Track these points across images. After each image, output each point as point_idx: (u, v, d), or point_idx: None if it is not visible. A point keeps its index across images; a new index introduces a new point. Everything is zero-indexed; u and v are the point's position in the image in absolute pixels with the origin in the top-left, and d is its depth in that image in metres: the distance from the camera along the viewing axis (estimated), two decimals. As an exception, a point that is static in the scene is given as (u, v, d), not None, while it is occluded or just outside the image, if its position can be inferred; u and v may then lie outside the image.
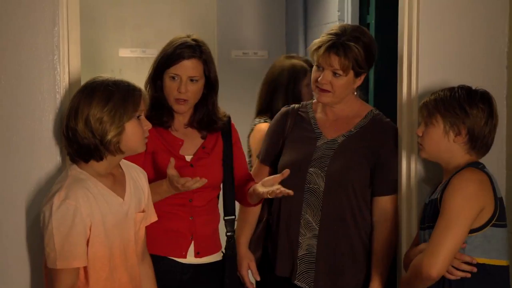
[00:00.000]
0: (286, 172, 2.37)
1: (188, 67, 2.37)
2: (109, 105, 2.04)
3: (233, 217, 2.54)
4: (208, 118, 2.46)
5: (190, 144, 2.46)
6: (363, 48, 2.46)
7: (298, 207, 2.49)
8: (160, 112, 2.42)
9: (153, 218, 2.28)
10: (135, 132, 2.09)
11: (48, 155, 2.31)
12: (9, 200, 2.30)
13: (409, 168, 2.50)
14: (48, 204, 2.01)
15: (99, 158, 2.08)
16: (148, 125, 2.14)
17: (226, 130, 2.52)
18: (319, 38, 2.50)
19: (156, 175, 2.38)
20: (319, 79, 2.47)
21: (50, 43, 2.29)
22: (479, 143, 2.23)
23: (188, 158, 2.44)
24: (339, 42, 2.43)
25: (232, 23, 4.34)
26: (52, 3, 2.27)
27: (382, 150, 2.51)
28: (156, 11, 4.17)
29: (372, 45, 2.51)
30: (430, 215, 2.22)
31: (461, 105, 2.22)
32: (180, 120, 2.47)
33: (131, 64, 4.06)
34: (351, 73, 2.47)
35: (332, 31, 2.48)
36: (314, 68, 2.51)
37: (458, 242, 2.11)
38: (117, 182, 2.16)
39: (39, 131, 2.30)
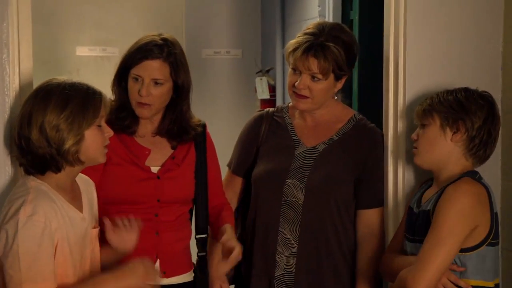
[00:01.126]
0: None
1: (152, 68, 2.33)
2: (67, 111, 2.01)
3: (206, 235, 2.50)
4: (178, 126, 2.42)
5: (158, 153, 2.42)
6: (343, 48, 2.44)
7: (275, 222, 2.47)
8: (122, 116, 2.38)
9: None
10: (95, 140, 2.06)
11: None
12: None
13: (396, 177, 2.51)
14: (12, 221, 1.95)
15: (57, 169, 2.04)
16: (109, 132, 2.11)
17: (200, 140, 2.48)
18: (295, 38, 2.48)
19: (115, 189, 2.34)
20: (296, 83, 2.44)
21: (-2, 41, 2.25)
22: (478, 144, 2.23)
23: (155, 169, 2.40)
24: (317, 43, 2.41)
25: (202, 20, 4.32)
26: (0, -3, 2.24)
27: (367, 159, 2.50)
28: (118, 6, 4.13)
29: (353, 44, 2.50)
30: (422, 227, 2.22)
31: (458, 101, 2.24)
32: (148, 127, 2.42)
33: (90, 63, 4.02)
34: (331, 76, 2.45)
35: (309, 30, 2.46)
36: (290, 71, 2.49)
37: (448, 260, 2.11)
38: (74, 196, 2.12)
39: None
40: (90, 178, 2.24)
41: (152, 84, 2.33)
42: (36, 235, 1.95)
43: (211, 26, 4.36)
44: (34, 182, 2.04)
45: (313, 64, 2.41)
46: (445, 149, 2.24)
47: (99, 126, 2.08)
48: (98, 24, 4.10)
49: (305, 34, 2.45)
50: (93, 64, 4.03)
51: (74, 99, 2.02)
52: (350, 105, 3.89)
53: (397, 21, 2.50)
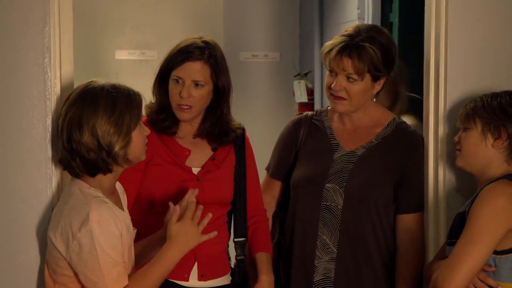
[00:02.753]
0: None
1: (193, 70, 2.37)
2: (116, 113, 2.06)
3: (244, 239, 2.52)
4: (219, 128, 2.44)
5: (199, 155, 2.45)
6: (380, 49, 2.44)
7: (314, 227, 2.48)
8: (162, 117, 2.42)
9: None
10: (139, 140, 2.11)
11: (38, 168, 2.29)
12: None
13: (436, 181, 2.49)
14: (84, 229, 1.99)
15: (107, 171, 2.08)
16: (147, 131, 2.15)
17: (240, 143, 2.51)
18: (332, 40, 2.49)
19: (156, 188, 2.37)
20: (332, 85, 2.45)
21: (40, 45, 2.28)
22: None
23: (195, 170, 2.43)
24: (352, 44, 2.42)
25: (240, 23, 4.35)
26: (42, 1, 2.27)
27: (407, 163, 2.49)
28: (157, 10, 4.18)
29: (391, 45, 2.50)
30: (457, 229, 2.21)
31: (502, 107, 2.23)
32: (188, 129, 2.46)
33: (129, 67, 4.07)
34: (368, 77, 2.45)
35: (346, 32, 2.47)
36: (327, 73, 2.50)
37: (480, 260, 2.09)
38: (117, 198, 2.17)
39: (28, 141, 2.29)
40: (133, 178, 2.30)
41: (193, 86, 2.37)
42: (110, 239, 2.00)
43: (249, 29, 4.38)
44: (89, 190, 2.07)
45: (348, 64, 2.41)
46: (486, 155, 2.23)
47: (140, 125, 2.12)
48: (137, 28, 4.14)
49: (341, 35, 2.47)
50: (131, 68, 4.07)
51: (120, 101, 2.07)
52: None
53: (438, 23, 2.48)
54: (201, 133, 2.45)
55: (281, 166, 2.64)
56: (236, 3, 4.33)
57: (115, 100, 2.07)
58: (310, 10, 4.64)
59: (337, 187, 2.47)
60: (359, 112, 2.52)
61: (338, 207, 2.46)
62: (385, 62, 2.47)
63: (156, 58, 4.13)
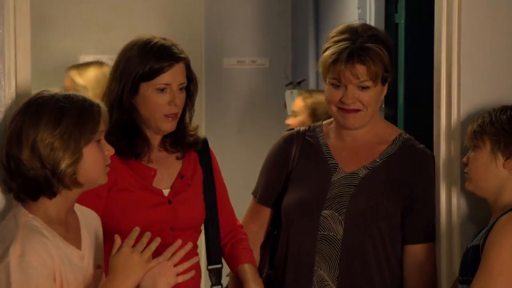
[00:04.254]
0: None
1: (178, 73, 2.39)
2: (62, 126, 2.01)
3: (220, 265, 2.53)
4: (182, 133, 2.48)
5: (165, 173, 2.46)
6: (384, 47, 2.46)
7: (310, 261, 2.46)
8: (134, 141, 2.41)
9: None
10: (95, 159, 2.05)
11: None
12: None
13: (449, 206, 2.49)
14: (2, 264, 1.95)
15: (51, 194, 2.03)
16: (110, 150, 2.11)
17: (205, 157, 2.53)
18: (327, 51, 2.46)
19: (123, 217, 2.36)
20: (342, 99, 2.43)
21: (-8, 50, 2.27)
22: None
23: (165, 192, 2.43)
24: (357, 47, 2.41)
25: (224, 25, 4.35)
26: (-5, -1, 2.27)
27: (416, 186, 2.48)
28: (128, 10, 4.18)
29: (390, 40, 2.54)
30: (471, 265, 2.20)
31: None
32: (152, 144, 2.46)
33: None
34: (379, 80, 2.46)
35: (341, 37, 2.44)
36: (328, 87, 2.47)
37: None
38: (70, 230, 2.11)
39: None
40: (92, 207, 2.25)
41: (178, 91, 2.40)
42: (31, 276, 1.94)
43: (233, 32, 4.39)
44: (24, 217, 2.03)
45: (362, 71, 2.40)
46: (498, 177, 2.24)
47: (98, 142, 2.07)
48: (105, 30, 4.14)
49: (338, 42, 2.44)
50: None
51: (70, 112, 2.02)
52: (395, 119, 3.90)
53: (450, 25, 2.50)
54: (163, 144, 2.46)
55: (270, 190, 2.62)
56: (219, 2, 4.34)
57: (63, 111, 2.02)
58: (304, 10, 4.65)
59: (336, 214, 2.46)
60: (366, 126, 2.51)
61: (338, 237, 2.44)
62: (391, 60, 2.49)
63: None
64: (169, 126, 2.40)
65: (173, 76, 2.37)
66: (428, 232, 2.49)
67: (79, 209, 2.20)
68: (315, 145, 2.57)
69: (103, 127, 2.09)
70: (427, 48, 2.72)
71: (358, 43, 2.41)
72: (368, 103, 2.44)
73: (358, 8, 4.14)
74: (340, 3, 4.40)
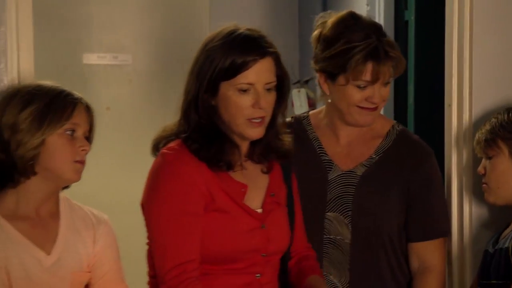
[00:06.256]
0: None
1: (264, 70, 2.07)
2: (28, 109, 2.01)
3: None
4: (274, 141, 2.17)
5: (253, 189, 2.16)
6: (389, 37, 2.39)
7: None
8: (223, 149, 2.09)
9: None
10: (61, 150, 2.04)
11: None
12: None
13: (461, 214, 2.50)
14: None
15: (10, 179, 2.03)
16: (84, 146, 2.07)
17: (287, 167, 2.25)
18: (352, 51, 2.30)
19: (210, 240, 2.06)
20: (370, 98, 2.32)
21: (-6, 48, 2.28)
22: None
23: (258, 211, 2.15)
24: (386, 43, 2.32)
25: (230, 21, 4.35)
26: (-4, -3, 2.27)
27: (413, 183, 2.41)
28: (132, 7, 4.18)
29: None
30: (499, 269, 2.19)
31: None
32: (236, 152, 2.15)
33: (99, 73, 4.06)
34: None
35: (361, 35, 2.32)
36: (353, 88, 2.33)
37: None
38: (39, 228, 2.09)
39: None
40: (190, 227, 2.04)
41: (265, 91, 2.08)
42: None
43: (240, 29, 4.39)
44: None
45: (389, 66, 2.32)
46: None
47: (71, 135, 2.06)
48: (108, 28, 4.14)
49: (361, 41, 2.32)
50: (102, 74, 4.06)
51: (40, 98, 2.03)
52: (404, 119, 3.88)
53: (462, 21, 2.50)
54: (253, 154, 2.16)
55: None
56: (225, 3, 4.34)
57: (33, 96, 2.03)
58: (311, 7, 4.65)
59: (341, 216, 2.41)
60: None
61: (346, 241, 2.40)
62: None
63: (130, 62, 4.11)
64: (255, 132, 2.08)
65: (257, 74, 2.05)
66: (429, 229, 2.42)
67: (73, 208, 2.18)
68: (304, 139, 2.48)
69: (78, 120, 2.06)
70: (438, 46, 2.72)
71: (381, 39, 2.32)
72: (385, 100, 2.38)
73: (367, 5, 4.14)
74: (348, 0, 4.41)
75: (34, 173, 2.03)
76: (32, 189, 2.06)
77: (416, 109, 3.85)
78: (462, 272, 2.48)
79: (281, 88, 2.12)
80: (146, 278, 2.18)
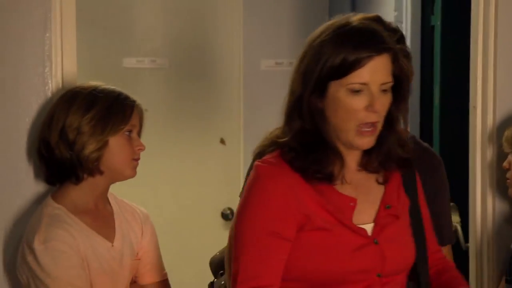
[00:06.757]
0: None
1: (380, 69, 1.77)
2: (91, 113, 2.07)
3: None
4: (396, 149, 1.87)
5: (365, 201, 1.85)
6: None
7: None
8: (323, 159, 1.80)
9: (151, 278, 2.27)
10: (121, 150, 2.10)
11: (36, 183, 2.31)
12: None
13: (485, 212, 2.51)
14: (30, 253, 2.04)
15: (76, 178, 2.09)
16: (140, 146, 2.14)
17: (409, 172, 1.93)
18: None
19: (317, 264, 1.78)
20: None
21: (41, 53, 2.32)
22: None
23: (368, 228, 1.83)
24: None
25: (262, 28, 4.36)
26: (42, 5, 2.30)
27: (426, 189, 2.08)
28: (168, 13, 4.22)
29: None
30: None
31: None
32: (346, 162, 1.85)
33: (138, 76, 4.10)
34: None
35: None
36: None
37: None
38: (100, 220, 2.17)
39: (28, 158, 2.31)
40: (276, 249, 1.78)
41: (380, 93, 1.78)
42: (58, 259, 2.02)
43: (271, 34, 4.40)
44: (50, 207, 2.10)
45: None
46: None
47: (129, 135, 2.12)
48: (147, 33, 4.18)
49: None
50: (141, 77, 4.10)
51: (101, 102, 2.09)
52: (430, 123, 3.86)
53: (487, 27, 2.51)
54: (368, 163, 1.86)
55: None
56: (257, 5, 4.35)
57: (95, 99, 2.08)
58: (341, 12, 4.66)
59: None
60: None
61: None
62: None
63: (167, 66, 4.16)
64: (364, 142, 1.79)
65: (372, 73, 1.75)
66: (440, 235, 2.15)
67: (120, 203, 2.26)
68: None
69: (135, 121, 2.13)
70: (463, 50, 2.73)
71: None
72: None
73: (395, 11, 4.14)
74: (377, 5, 4.41)
75: (101, 172, 2.10)
76: (94, 185, 2.12)
77: (441, 111, 3.85)
78: (486, 267, 2.49)
79: (399, 88, 1.83)
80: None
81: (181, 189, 4.18)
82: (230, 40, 4.24)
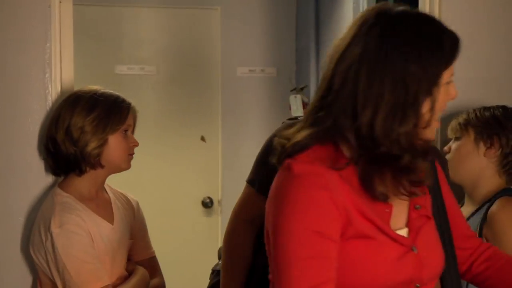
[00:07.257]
0: None
1: None
2: (93, 114, 2.10)
3: None
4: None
5: (396, 203, 1.51)
6: None
7: None
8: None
9: (143, 255, 2.31)
10: (118, 147, 2.13)
11: (37, 182, 2.31)
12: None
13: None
14: (47, 237, 2.04)
15: (80, 171, 2.12)
16: (134, 143, 2.18)
17: (432, 169, 1.59)
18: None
19: (354, 272, 1.42)
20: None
21: (41, 60, 2.31)
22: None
23: (403, 233, 1.51)
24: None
25: (238, 39, 4.38)
26: (43, 17, 2.30)
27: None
28: (155, 25, 4.22)
29: None
30: None
31: (495, 117, 2.24)
32: None
33: (128, 82, 4.10)
34: None
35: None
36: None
37: None
38: (101, 206, 2.20)
39: (29, 156, 2.31)
40: (328, 250, 1.37)
41: None
42: (73, 240, 2.04)
43: (246, 45, 4.41)
44: (59, 196, 2.12)
45: None
46: (478, 164, 2.23)
47: (125, 134, 2.15)
48: (137, 43, 4.18)
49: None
50: (131, 83, 4.11)
51: (101, 104, 2.12)
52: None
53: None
54: None
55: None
56: (233, 20, 4.37)
57: (96, 102, 2.11)
58: (306, 26, 4.67)
59: None
60: None
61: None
62: None
63: (155, 73, 4.16)
64: (434, 133, 1.48)
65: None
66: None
67: (114, 191, 2.29)
68: None
69: (130, 121, 2.16)
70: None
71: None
72: None
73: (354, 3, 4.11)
74: (336, 19, 4.42)
75: (102, 166, 2.13)
76: (95, 176, 2.15)
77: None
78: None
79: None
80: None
81: (166, 180, 4.19)
82: (210, 50, 4.25)
